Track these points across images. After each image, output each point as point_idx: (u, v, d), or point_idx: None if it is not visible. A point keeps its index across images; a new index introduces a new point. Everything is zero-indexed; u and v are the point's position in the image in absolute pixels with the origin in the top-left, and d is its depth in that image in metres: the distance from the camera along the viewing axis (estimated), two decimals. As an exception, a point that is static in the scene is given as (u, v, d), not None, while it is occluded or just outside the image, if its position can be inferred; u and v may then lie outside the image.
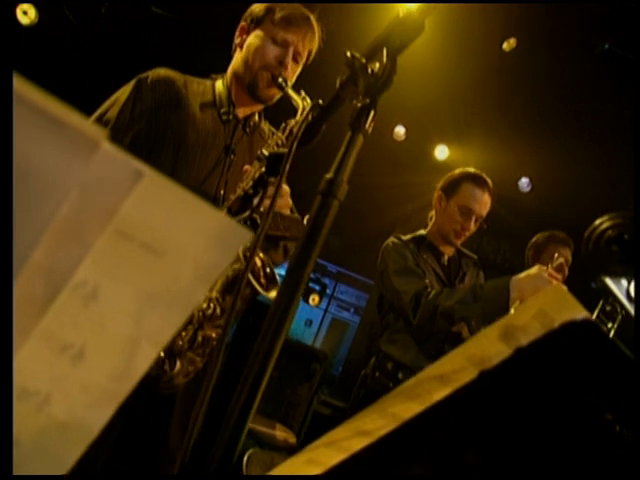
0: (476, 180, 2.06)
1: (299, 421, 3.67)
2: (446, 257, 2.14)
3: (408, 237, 2.11)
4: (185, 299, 0.33)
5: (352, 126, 0.65)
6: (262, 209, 1.02)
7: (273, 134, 1.31)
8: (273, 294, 1.15)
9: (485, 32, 4.06)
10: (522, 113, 4.39)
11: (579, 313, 0.48)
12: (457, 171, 2.16)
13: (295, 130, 1.15)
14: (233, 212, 1.02)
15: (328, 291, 7.19)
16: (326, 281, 6.85)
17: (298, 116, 1.11)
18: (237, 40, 1.41)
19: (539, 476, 0.51)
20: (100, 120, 1.30)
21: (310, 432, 3.56)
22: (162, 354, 1.10)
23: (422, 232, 2.16)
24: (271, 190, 0.99)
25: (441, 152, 5.11)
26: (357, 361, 5.41)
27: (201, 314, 1.10)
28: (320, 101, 0.80)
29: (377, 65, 0.66)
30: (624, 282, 0.63)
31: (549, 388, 0.49)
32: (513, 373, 0.49)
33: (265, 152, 1.00)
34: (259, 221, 1.03)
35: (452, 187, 2.09)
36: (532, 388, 0.50)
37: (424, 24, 0.65)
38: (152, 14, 4.71)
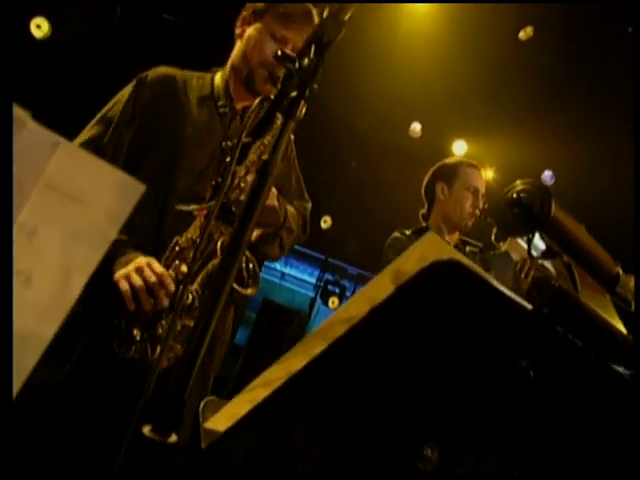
0: (470, 163, 2.17)
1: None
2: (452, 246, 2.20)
3: (410, 230, 2.14)
4: (101, 237, 0.45)
5: (285, 114, 0.76)
6: (233, 196, 1.14)
7: None
8: (250, 291, 1.22)
9: (499, 22, 3.90)
10: (542, 104, 4.19)
11: (449, 255, 0.58)
12: (447, 160, 2.25)
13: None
14: (207, 199, 1.14)
15: (348, 293, 7.04)
16: (345, 283, 6.59)
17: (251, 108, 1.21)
18: (238, 30, 1.44)
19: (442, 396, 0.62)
20: (104, 117, 1.39)
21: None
22: (145, 340, 1.20)
23: (423, 224, 2.19)
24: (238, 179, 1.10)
25: (459, 147, 5.00)
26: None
27: (181, 304, 1.20)
28: (271, 95, 0.91)
29: (306, 60, 0.77)
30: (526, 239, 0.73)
31: (431, 318, 0.60)
32: (395, 306, 0.59)
33: (229, 143, 1.12)
34: (234, 208, 1.15)
35: (451, 174, 2.14)
36: (416, 319, 0.60)
37: (344, 22, 0.75)
38: (163, 21, 4.87)
